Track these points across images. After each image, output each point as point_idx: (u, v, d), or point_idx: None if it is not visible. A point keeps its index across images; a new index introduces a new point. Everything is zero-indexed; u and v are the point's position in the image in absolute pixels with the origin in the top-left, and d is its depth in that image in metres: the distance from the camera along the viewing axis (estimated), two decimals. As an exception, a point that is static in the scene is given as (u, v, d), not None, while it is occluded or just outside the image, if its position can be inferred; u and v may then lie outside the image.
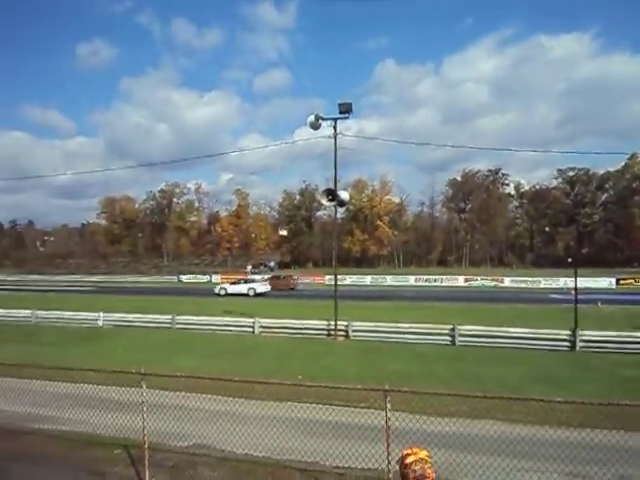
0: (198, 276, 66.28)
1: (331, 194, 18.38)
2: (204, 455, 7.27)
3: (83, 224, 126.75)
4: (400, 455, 2.50)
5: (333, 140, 18.59)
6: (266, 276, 51.83)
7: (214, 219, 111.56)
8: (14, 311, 24.83)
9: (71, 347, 17.26)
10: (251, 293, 42.45)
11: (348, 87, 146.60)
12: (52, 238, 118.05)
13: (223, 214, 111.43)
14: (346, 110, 17.75)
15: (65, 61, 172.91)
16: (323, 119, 17.97)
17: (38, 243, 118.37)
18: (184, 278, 64.54)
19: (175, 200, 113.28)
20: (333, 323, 18.52)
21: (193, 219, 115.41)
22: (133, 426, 7.36)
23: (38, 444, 7.96)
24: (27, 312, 23.97)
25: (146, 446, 6.30)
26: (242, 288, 43.16)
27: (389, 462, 5.20)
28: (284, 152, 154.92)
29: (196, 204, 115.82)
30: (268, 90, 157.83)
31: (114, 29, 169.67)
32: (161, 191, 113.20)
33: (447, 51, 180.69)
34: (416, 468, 2.36)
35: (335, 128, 18.33)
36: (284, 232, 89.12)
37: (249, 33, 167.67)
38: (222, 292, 43.42)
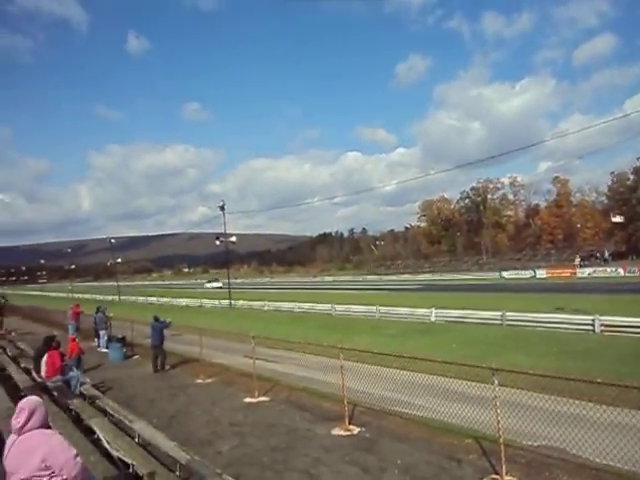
0: (520, 272, 63.60)
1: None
2: (559, 458, 7.00)
3: (406, 228, 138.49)
4: None
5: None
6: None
7: (532, 211, 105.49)
8: (354, 307, 29.32)
9: (409, 339, 19.07)
10: (211, 287, 73.72)
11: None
12: (382, 242, 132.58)
13: (543, 205, 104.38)
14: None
15: (387, 82, 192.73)
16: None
17: (372, 247, 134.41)
18: (505, 274, 62.90)
19: (489, 196, 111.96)
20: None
21: (509, 213, 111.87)
22: (479, 418, 7.66)
23: (400, 425, 9.11)
24: (372, 308, 27.66)
25: (501, 440, 6.47)
26: (209, 285, 77.43)
27: None
28: (612, 129, 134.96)
29: (511, 198, 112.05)
30: (589, 63, 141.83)
31: (426, 41, 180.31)
32: (473, 189, 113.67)
33: None
34: None
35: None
36: (618, 218, 76.99)
37: (562, 5, 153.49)
38: (207, 286, 76.95)
